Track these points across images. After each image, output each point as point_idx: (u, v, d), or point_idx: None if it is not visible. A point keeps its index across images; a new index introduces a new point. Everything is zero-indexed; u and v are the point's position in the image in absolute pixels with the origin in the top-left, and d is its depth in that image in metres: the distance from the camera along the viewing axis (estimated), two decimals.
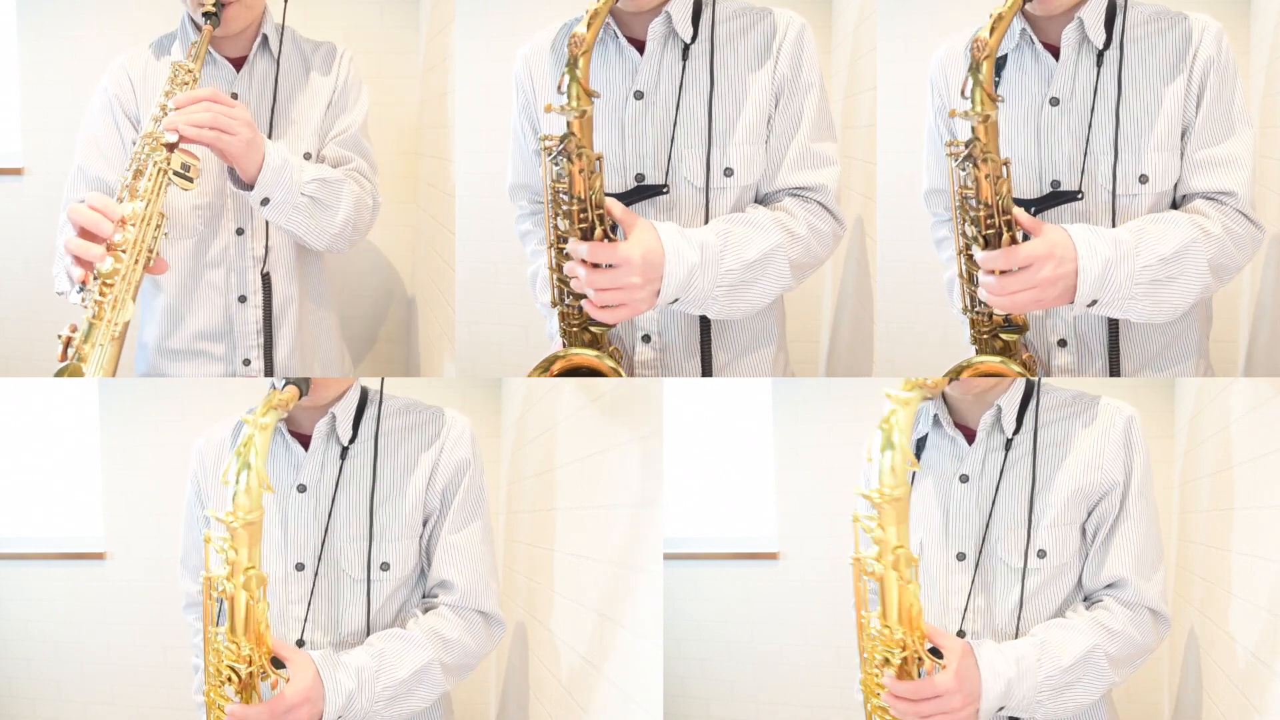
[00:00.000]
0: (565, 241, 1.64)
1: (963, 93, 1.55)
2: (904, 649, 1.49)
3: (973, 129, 1.56)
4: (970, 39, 1.76)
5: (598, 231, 1.62)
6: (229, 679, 1.53)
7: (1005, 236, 1.58)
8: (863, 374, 2.33)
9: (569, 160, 1.59)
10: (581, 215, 1.62)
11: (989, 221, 1.58)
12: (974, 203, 1.59)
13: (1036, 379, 1.67)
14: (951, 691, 1.48)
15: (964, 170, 1.58)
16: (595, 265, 1.61)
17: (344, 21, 2.58)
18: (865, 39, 2.28)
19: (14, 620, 3.00)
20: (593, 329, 1.69)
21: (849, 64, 2.39)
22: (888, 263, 2.28)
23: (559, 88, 1.57)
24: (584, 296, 1.65)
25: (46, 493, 3.01)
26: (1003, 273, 1.57)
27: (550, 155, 1.60)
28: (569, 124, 1.58)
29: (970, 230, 1.60)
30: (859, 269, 2.35)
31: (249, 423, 1.50)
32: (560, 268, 1.66)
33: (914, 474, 1.65)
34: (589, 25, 1.56)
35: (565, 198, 1.62)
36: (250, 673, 1.52)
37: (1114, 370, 1.72)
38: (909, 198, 1.92)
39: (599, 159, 1.61)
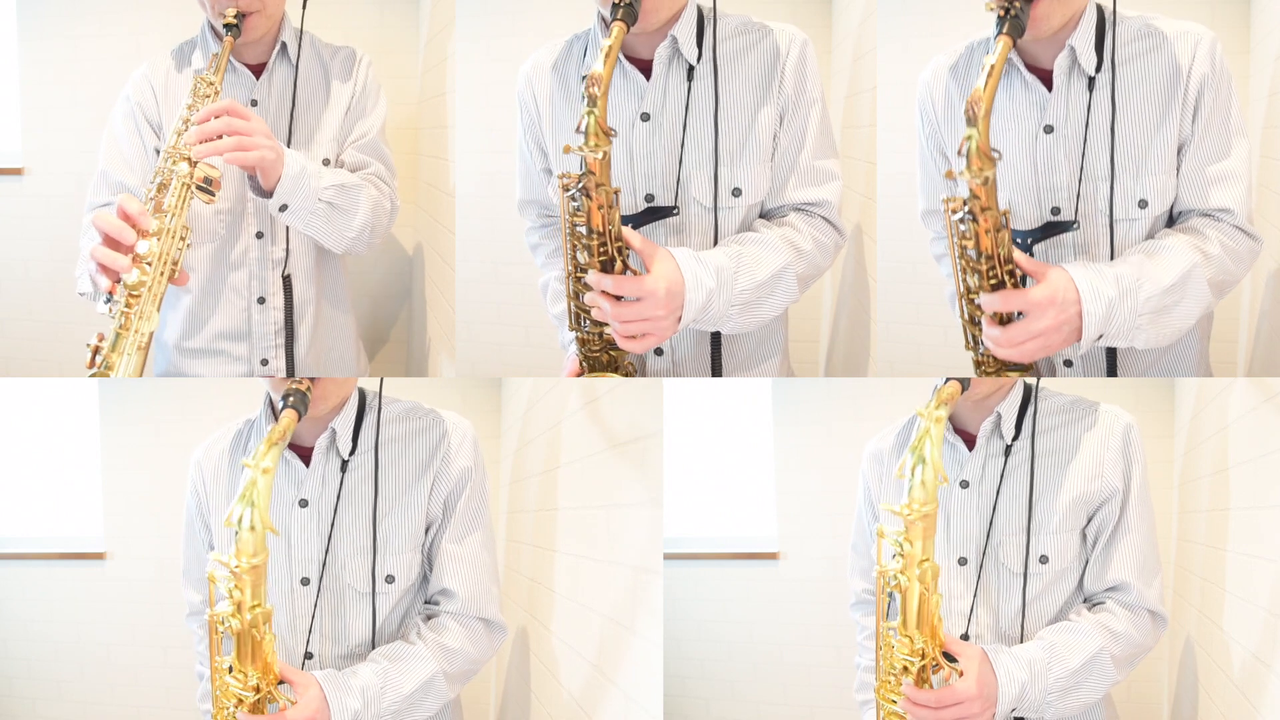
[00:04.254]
0: (584, 272, 1.63)
1: (960, 150, 1.48)
2: (923, 657, 1.52)
3: (971, 190, 1.49)
4: (956, 60, 1.74)
5: (617, 265, 1.61)
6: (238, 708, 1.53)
7: (1008, 286, 1.54)
8: (861, 374, 2.33)
9: (587, 197, 1.57)
10: (601, 249, 1.60)
11: (991, 273, 1.54)
12: (974, 253, 1.54)
13: (1035, 381, 1.67)
14: (972, 698, 1.51)
15: (964, 225, 1.53)
16: (618, 298, 1.61)
17: (344, 21, 2.57)
18: (866, 39, 2.28)
19: (14, 620, 3.00)
20: (612, 352, 1.69)
21: (849, 64, 2.39)
22: (886, 263, 2.28)
23: (577, 128, 1.53)
24: (603, 324, 1.64)
25: (46, 493, 3.01)
26: (1005, 320, 1.54)
27: (568, 192, 1.59)
28: (586, 163, 1.56)
29: (973, 281, 1.56)
30: (858, 270, 2.35)
31: (250, 467, 1.46)
32: (579, 296, 1.65)
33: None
34: (604, 62, 1.52)
35: (583, 231, 1.60)
36: (258, 700, 1.52)
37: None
38: (908, 198, 1.91)
39: (616, 193, 1.59)
